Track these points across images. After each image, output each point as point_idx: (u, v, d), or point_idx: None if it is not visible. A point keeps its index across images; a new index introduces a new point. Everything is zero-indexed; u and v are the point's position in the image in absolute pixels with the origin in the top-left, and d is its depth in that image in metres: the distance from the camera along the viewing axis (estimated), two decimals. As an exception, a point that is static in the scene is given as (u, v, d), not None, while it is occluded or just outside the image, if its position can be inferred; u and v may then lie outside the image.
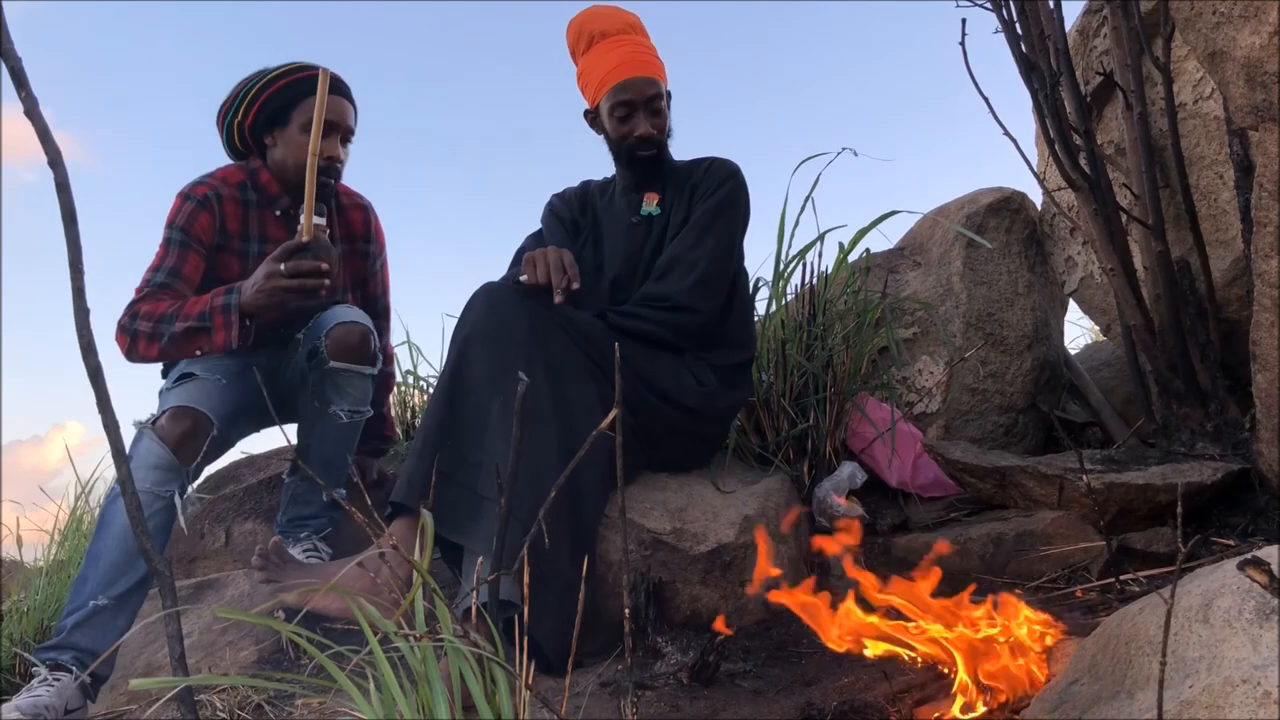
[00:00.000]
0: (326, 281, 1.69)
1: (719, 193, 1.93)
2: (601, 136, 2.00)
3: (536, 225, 2.16)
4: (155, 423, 1.70)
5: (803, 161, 2.37)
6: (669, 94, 1.99)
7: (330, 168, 1.94)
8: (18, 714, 1.46)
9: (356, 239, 2.13)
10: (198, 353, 1.77)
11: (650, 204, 2.00)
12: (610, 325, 1.78)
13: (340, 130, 1.95)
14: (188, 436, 1.70)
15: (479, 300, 1.67)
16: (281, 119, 1.93)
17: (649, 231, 1.99)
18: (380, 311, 2.22)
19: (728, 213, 1.93)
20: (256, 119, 1.93)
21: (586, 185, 2.16)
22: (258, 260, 1.85)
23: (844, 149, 2.29)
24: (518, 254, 2.05)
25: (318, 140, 1.62)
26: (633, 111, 1.92)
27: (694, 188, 1.97)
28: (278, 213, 1.98)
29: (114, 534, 1.65)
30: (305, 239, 1.66)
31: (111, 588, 1.61)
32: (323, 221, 1.72)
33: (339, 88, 1.96)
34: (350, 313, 1.89)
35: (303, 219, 1.67)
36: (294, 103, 1.92)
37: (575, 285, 1.61)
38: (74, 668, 1.57)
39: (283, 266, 1.67)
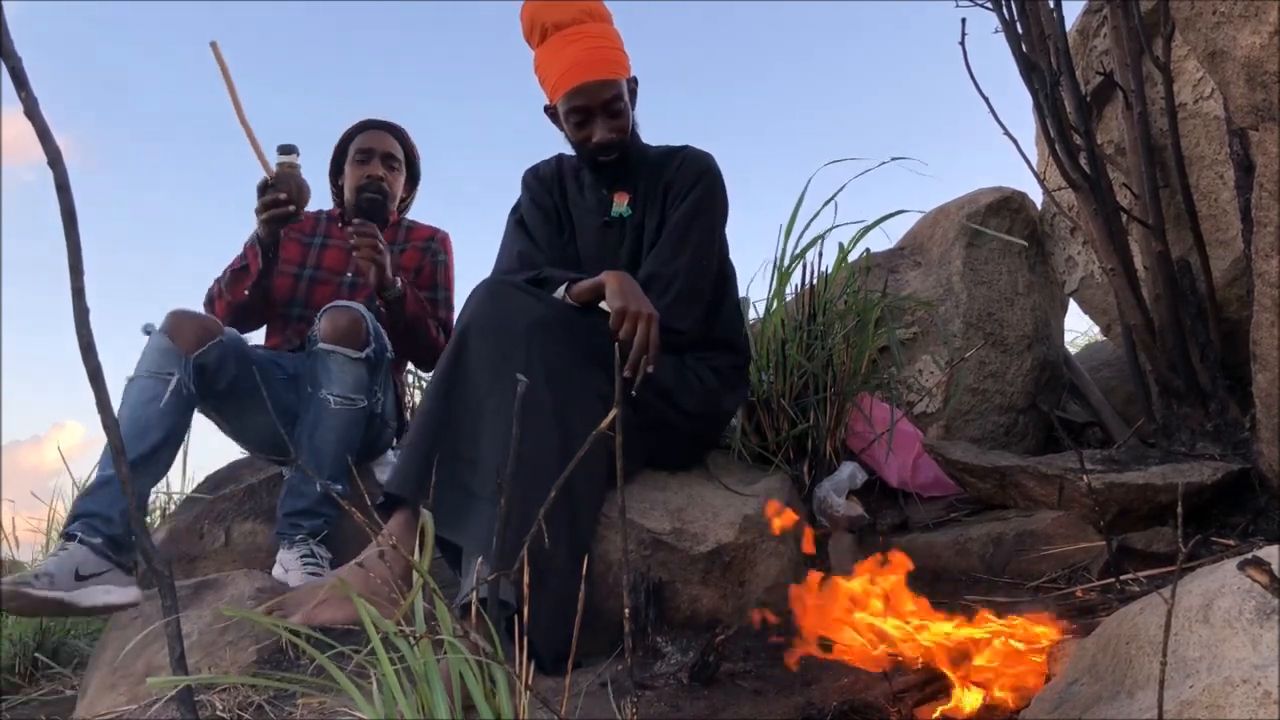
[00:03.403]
0: (291, 208, 1.98)
1: (693, 194, 1.87)
2: (563, 134, 1.93)
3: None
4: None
5: (825, 164, 2.36)
6: (634, 81, 1.91)
7: (372, 184, 2.32)
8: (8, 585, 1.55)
9: (421, 238, 2.46)
10: (245, 294, 2.14)
11: (620, 205, 1.94)
12: None
13: (378, 154, 2.36)
14: (185, 323, 1.88)
15: (480, 295, 1.65)
16: (343, 161, 2.43)
17: (622, 235, 1.94)
18: (440, 301, 2.46)
19: (704, 215, 1.87)
20: (333, 169, 2.46)
21: (560, 164, 2.07)
22: (319, 250, 2.36)
23: (894, 159, 2.29)
24: (513, 254, 1.97)
25: (236, 99, 1.82)
26: (589, 117, 1.84)
27: (667, 187, 1.91)
28: (339, 225, 2.43)
29: (124, 413, 1.78)
30: (269, 179, 1.98)
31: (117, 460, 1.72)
32: (290, 159, 2.00)
33: (380, 124, 2.42)
34: (348, 302, 2.03)
35: (261, 164, 1.97)
36: (346, 145, 2.41)
37: (650, 369, 1.61)
38: (79, 532, 1.65)
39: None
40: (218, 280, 2.23)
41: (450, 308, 2.44)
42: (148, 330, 1.89)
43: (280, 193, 1.99)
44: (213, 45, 1.76)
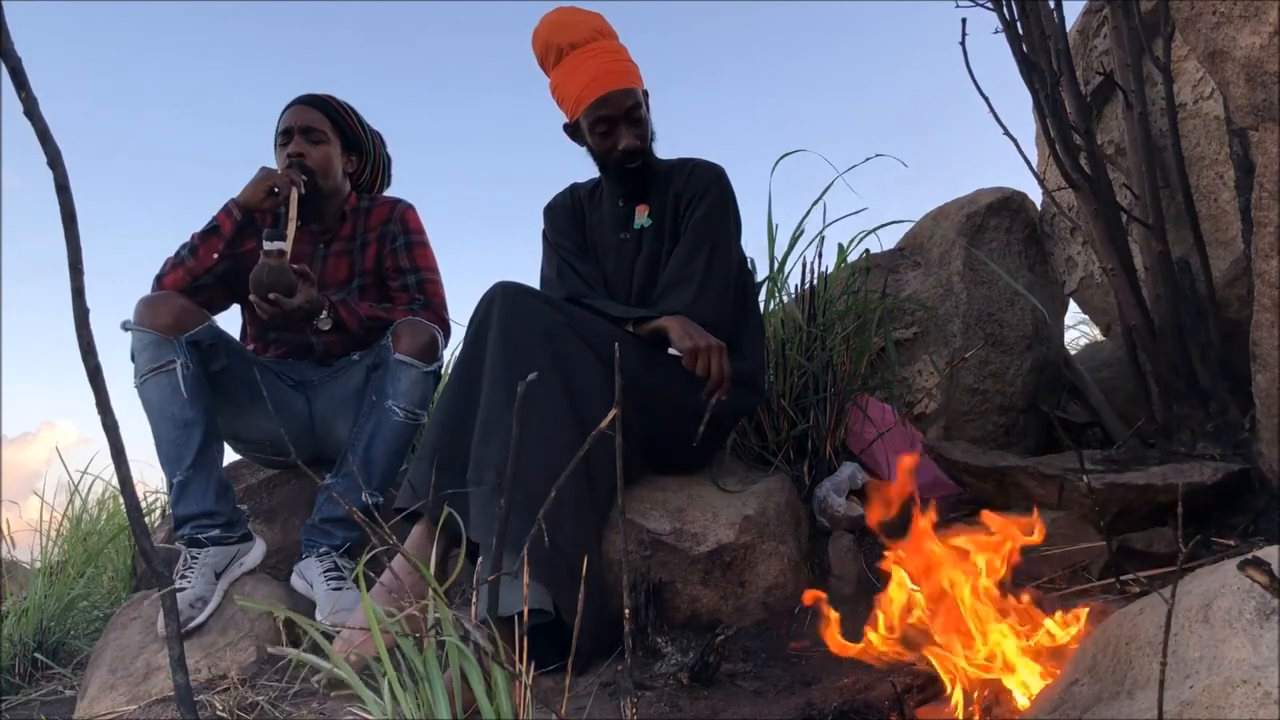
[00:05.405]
0: (284, 307, 1.89)
1: (704, 202, 1.91)
2: (584, 148, 1.97)
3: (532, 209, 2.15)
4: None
5: (783, 156, 2.37)
6: (646, 94, 1.95)
7: (298, 164, 2.09)
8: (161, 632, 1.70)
9: (377, 225, 2.24)
10: (214, 256, 1.98)
11: (641, 216, 1.99)
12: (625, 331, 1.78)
13: (297, 130, 2.13)
14: (159, 306, 1.86)
15: (493, 302, 1.67)
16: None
17: (638, 247, 1.98)
18: (411, 286, 2.26)
19: (716, 220, 1.91)
20: (276, 149, 2.21)
21: (575, 193, 2.12)
22: (320, 263, 2.17)
23: (876, 156, 2.31)
24: (562, 280, 1.99)
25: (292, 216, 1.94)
26: (614, 126, 1.88)
27: (677, 196, 1.95)
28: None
29: (156, 419, 1.84)
30: (262, 273, 1.90)
31: (180, 464, 1.83)
32: (277, 246, 1.89)
33: (299, 99, 2.18)
34: (421, 320, 2.06)
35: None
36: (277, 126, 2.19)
37: (724, 397, 1.65)
38: (198, 535, 1.82)
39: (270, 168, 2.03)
40: (179, 249, 2.02)
41: (426, 283, 2.21)
42: (125, 326, 1.88)
43: (270, 292, 1.89)
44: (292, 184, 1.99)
